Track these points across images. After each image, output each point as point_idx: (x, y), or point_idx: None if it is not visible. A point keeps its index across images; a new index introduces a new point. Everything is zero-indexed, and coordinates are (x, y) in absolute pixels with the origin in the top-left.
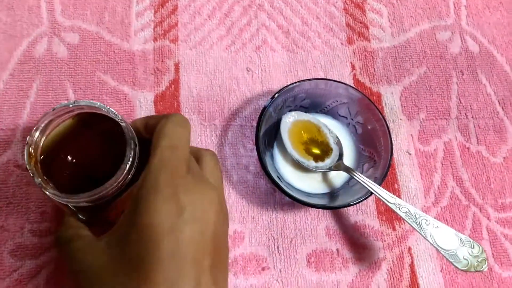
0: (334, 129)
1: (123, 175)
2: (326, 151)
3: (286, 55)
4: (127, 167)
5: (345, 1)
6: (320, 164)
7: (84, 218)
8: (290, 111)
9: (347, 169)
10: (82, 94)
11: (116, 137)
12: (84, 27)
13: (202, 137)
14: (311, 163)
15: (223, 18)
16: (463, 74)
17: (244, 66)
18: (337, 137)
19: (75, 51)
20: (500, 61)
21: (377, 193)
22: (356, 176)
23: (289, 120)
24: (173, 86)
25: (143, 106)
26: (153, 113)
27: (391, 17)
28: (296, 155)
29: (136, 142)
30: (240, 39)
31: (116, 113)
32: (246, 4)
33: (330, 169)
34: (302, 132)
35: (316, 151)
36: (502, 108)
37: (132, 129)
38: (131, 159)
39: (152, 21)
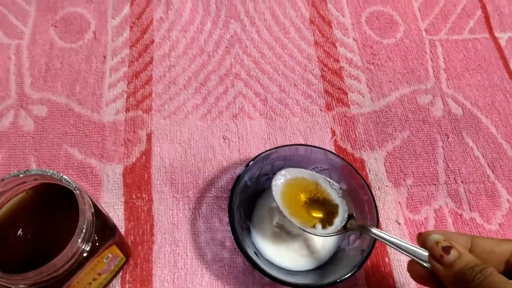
0: None
1: (74, 250)
2: (332, 210)
3: (264, 123)
4: (79, 240)
5: (322, 68)
6: (330, 228)
7: None
8: (268, 179)
9: (362, 228)
10: (46, 168)
11: (73, 210)
12: (54, 99)
13: (174, 210)
14: (319, 230)
15: (199, 88)
16: (448, 138)
17: (221, 134)
18: (340, 189)
19: (42, 124)
20: (485, 123)
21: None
22: (376, 235)
23: (280, 182)
24: (144, 157)
25: (110, 180)
26: (121, 187)
27: (369, 83)
28: (297, 223)
29: (92, 212)
30: (216, 107)
31: (70, 181)
32: (222, 74)
33: (344, 229)
34: (299, 192)
35: (320, 213)
36: (492, 171)
37: (89, 198)
38: (84, 231)
39: (125, 92)
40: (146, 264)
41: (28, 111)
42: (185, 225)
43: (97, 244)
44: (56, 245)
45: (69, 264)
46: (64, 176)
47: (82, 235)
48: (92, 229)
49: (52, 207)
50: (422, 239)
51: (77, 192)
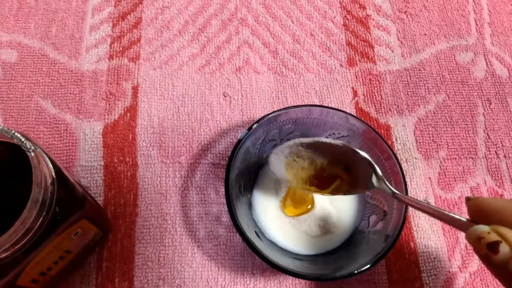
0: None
1: (26, 227)
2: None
3: (273, 79)
4: (34, 215)
5: (345, 16)
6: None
7: None
8: (274, 146)
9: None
10: (14, 123)
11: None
12: (25, 42)
13: (163, 178)
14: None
15: (197, 34)
16: (490, 103)
17: (221, 90)
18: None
19: (11, 71)
20: None
21: None
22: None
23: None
24: (128, 114)
25: (88, 139)
26: (100, 148)
27: (400, 35)
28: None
29: (54, 180)
30: (216, 58)
31: (23, 139)
32: (225, 18)
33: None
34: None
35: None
36: None
37: (51, 162)
38: (39, 203)
39: (109, 36)
40: (127, 240)
41: None
42: (174, 195)
43: (58, 217)
44: (6, 219)
45: (20, 244)
46: (16, 133)
47: (37, 209)
48: (52, 201)
49: (4, 170)
50: (472, 207)
51: (31, 154)
